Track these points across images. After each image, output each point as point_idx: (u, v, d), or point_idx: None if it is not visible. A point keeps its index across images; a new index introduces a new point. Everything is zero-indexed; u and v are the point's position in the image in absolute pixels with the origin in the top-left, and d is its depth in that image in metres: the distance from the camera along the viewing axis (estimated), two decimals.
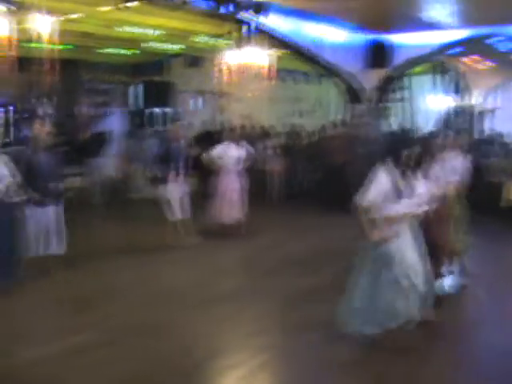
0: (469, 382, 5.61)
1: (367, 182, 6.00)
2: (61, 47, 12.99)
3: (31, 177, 8.22)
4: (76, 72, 16.97)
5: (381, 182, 5.95)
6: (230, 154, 11.41)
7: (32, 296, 7.88)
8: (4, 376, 5.58)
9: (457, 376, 5.69)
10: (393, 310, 6.05)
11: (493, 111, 22.47)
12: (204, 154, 11.55)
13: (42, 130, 8.29)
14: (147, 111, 16.10)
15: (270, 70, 11.20)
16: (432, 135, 8.36)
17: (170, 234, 10.71)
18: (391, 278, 6.00)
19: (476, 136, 20.09)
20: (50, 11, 8.45)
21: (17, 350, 6.13)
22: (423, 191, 6.24)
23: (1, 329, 6.74)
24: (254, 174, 16.19)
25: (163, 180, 10.51)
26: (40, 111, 15.60)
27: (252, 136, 16.74)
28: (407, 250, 6.09)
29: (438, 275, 7.73)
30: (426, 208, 6.33)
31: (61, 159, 8.69)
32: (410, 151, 6.05)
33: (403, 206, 6.05)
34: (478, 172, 13.09)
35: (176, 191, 10.52)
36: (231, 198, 11.43)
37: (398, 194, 5.97)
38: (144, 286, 8.45)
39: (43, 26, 8.36)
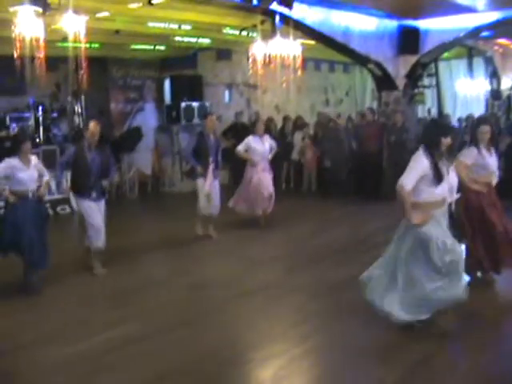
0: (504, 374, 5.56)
1: (408, 165, 6.01)
2: (91, 45, 13.17)
3: (84, 174, 8.43)
4: (107, 69, 17.12)
5: (422, 165, 5.95)
6: (254, 146, 11.41)
7: (74, 292, 8.03)
8: (56, 369, 5.68)
9: (492, 367, 5.65)
10: (434, 299, 6.05)
11: None
12: (236, 147, 11.57)
13: (96, 127, 8.41)
14: (179, 105, 16.13)
15: (299, 60, 11.20)
16: (485, 121, 8.13)
17: (203, 227, 10.78)
18: (430, 263, 6.01)
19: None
20: (79, 10, 8.52)
21: (59, 343, 6.23)
22: (454, 182, 6.28)
23: (44, 323, 6.85)
24: (288, 164, 16.31)
25: (198, 174, 10.51)
26: (70, 110, 15.78)
27: (284, 127, 16.79)
28: (445, 236, 6.09)
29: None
30: (457, 196, 6.36)
31: (110, 156, 8.80)
32: (447, 138, 6.05)
33: (442, 191, 6.07)
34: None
35: (210, 185, 10.54)
36: (257, 190, 11.43)
37: (438, 180, 5.96)
38: (182, 278, 8.52)
39: (73, 26, 8.43)
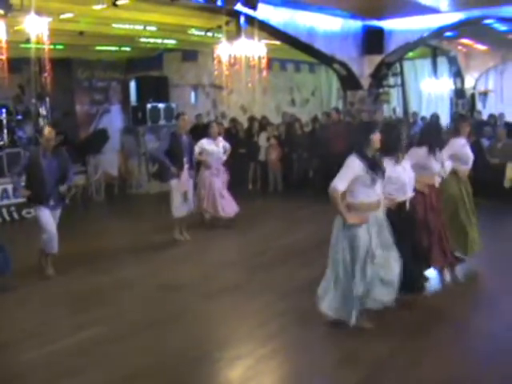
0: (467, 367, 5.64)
1: (341, 168, 6.10)
2: (55, 47, 13.08)
3: (39, 183, 8.31)
4: (71, 71, 17.00)
5: (353, 167, 6.03)
6: (208, 149, 11.40)
7: (42, 293, 8.02)
8: (19, 373, 5.66)
9: (454, 363, 5.73)
10: (368, 294, 6.18)
11: (486, 94, 22.56)
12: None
13: (51, 132, 8.30)
14: (145, 106, 16.10)
15: (264, 60, 11.24)
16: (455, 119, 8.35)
17: (175, 228, 10.76)
18: (359, 263, 6.12)
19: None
20: (42, 11, 8.47)
21: (30, 346, 6.21)
22: (408, 180, 6.37)
23: (14, 326, 6.83)
24: (255, 165, 16.35)
25: (171, 175, 10.47)
26: (34, 112, 15.62)
27: (250, 128, 16.83)
28: (377, 244, 6.19)
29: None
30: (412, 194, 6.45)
31: (67, 160, 8.71)
32: (375, 133, 6.12)
33: (377, 193, 6.16)
34: (480, 154, 13.22)
35: (186, 185, 10.54)
36: (212, 192, 11.47)
37: (372, 180, 6.05)
38: (152, 280, 8.51)
39: (36, 27, 8.38)
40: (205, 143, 11.43)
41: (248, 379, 5.42)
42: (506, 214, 11.87)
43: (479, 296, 7.74)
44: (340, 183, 6.01)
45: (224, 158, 11.73)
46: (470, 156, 8.28)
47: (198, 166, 11.56)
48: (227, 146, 11.86)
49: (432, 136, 7.78)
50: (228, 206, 11.59)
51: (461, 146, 8.14)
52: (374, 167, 6.09)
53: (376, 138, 6.12)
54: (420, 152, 7.59)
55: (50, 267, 8.70)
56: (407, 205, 6.66)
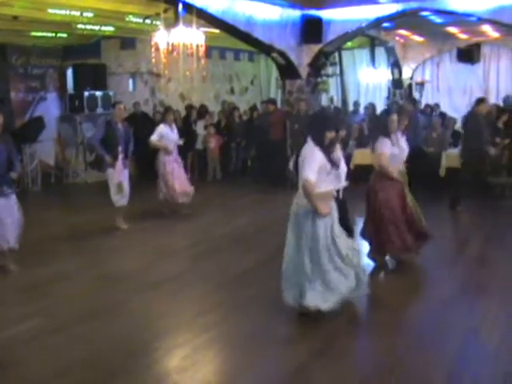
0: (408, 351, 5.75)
1: (304, 157, 6.07)
2: None
3: None
4: (6, 57, 16.60)
5: (317, 157, 6.02)
6: (168, 135, 11.37)
7: None
8: None
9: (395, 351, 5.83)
10: (335, 286, 6.19)
11: (422, 84, 22.94)
12: (151, 137, 11.39)
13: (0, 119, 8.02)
14: (82, 94, 15.86)
15: (202, 48, 11.17)
16: (388, 111, 8.44)
17: (116, 218, 10.67)
18: (329, 253, 6.16)
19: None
20: None
21: None
22: (344, 169, 6.44)
23: None
24: (193, 154, 16.31)
25: (108, 164, 10.36)
26: None
27: (188, 116, 16.78)
28: (336, 225, 6.27)
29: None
30: (345, 183, 6.52)
31: (13, 146, 8.45)
32: (331, 132, 6.17)
33: (335, 181, 6.22)
34: (416, 143, 13.42)
35: (120, 175, 10.43)
36: (176, 178, 11.48)
37: (333, 169, 6.10)
38: (90, 271, 8.40)
39: None
40: (164, 129, 11.41)
41: (185, 369, 5.40)
42: (442, 202, 12.09)
43: (416, 283, 7.88)
44: (311, 174, 5.92)
45: (180, 143, 11.89)
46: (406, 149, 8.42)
47: (154, 153, 11.56)
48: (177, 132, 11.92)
49: (381, 126, 7.94)
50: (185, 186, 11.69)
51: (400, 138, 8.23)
52: (331, 156, 6.12)
53: (331, 135, 6.15)
54: (387, 142, 7.71)
55: (10, 261, 8.40)
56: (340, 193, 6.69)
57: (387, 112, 8.29)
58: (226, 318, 6.58)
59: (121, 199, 10.54)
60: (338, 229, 6.33)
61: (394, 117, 7.79)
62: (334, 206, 6.36)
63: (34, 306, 7.06)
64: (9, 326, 6.44)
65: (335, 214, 6.35)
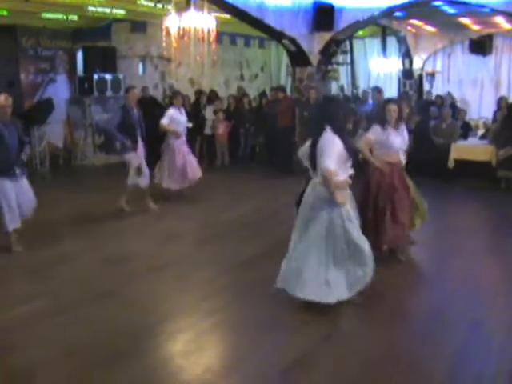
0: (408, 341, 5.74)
1: (323, 146, 6.00)
2: None
3: (4, 151, 8.00)
4: (16, 38, 16.56)
5: (338, 146, 5.96)
6: (178, 118, 11.38)
7: None
8: None
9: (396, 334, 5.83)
10: (353, 278, 6.18)
11: (433, 75, 22.84)
12: (161, 121, 11.38)
13: (8, 99, 8.03)
14: (91, 77, 15.84)
15: (213, 33, 11.13)
16: (386, 101, 8.38)
17: (123, 197, 10.72)
18: (348, 243, 6.13)
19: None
20: None
21: None
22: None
23: None
24: (201, 138, 16.31)
25: (128, 148, 10.39)
26: None
27: (198, 102, 16.77)
28: (353, 214, 6.25)
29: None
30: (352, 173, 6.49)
31: (23, 129, 8.46)
32: (348, 117, 6.15)
33: (351, 169, 6.17)
34: (425, 134, 13.37)
35: (137, 158, 10.46)
36: (186, 162, 11.52)
37: (348, 158, 6.07)
38: (95, 253, 8.43)
39: None
40: (174, 113, 11.40)
41: (188, 353, 5.42)
42: (450, 194, 12.06)
43: (421, 274, 7.87)
44: (331, 163, 5.86)
45: (190, 125, 11.89)
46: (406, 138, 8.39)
47: (163, 136, 11.60)
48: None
49: (379, 115, 7.91)
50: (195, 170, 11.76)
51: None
52: (349, 144, 6.10)
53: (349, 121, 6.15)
54: (377, 129, 7.68)
55: (16, 242, 8.47)
56: None
57: (385, 101, 8.22)
58: (230, 303, 6.59)
59: (142, 180, 10.62)
60: (354, 218, 6.29)
61: (391, 106, 7.74)
62: (350, 194, 6.34)
63: (38, 287, 7.07)
64: (12, 307, 6.45)
65: (353, 204, 6.33)
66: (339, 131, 6.04)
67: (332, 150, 5.94)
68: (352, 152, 6.14)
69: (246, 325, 6.04)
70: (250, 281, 7.16)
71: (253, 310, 6.36)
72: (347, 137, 6.20)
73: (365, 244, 6.24)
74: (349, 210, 6.20)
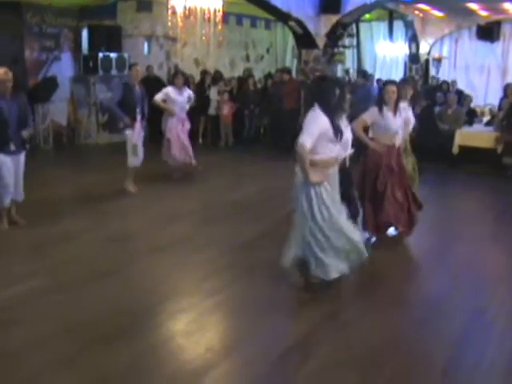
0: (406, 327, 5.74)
1: (305, 122, 5.91)
2: None
3: (1, 123, 7.91)
4: (21, 15, 16.48)
5: (321, 123, 5.85)
6: (174, 97, 11.34)
7: None
8: None
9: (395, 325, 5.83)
10: (343, 251, 6.14)
11: (440, 60, 22.73)
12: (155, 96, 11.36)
13: (7, 73, 7.97)
14: (96, 55, 15.77)
15: (219, 14, 11.07)
16: (385, 82, 8.32)
17: (128, 179, 10.65)
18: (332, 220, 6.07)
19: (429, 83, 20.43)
20: None
21: None
22: (349, 137, 6.33)
23: None
24: (206, 119, 16.27)
25: (126, 125, 10.35)
26: None
27: (202, 82, 16.71)
28: (335, 195, 6.18)
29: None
30: (351, 151, 6.42)
31: (26, 104, 8.39)
32: (341, 95, 6.04)
33: (338, 149, 6.08)
34: (430, 119, 13.32)
35: (137, 136, 10.43)
36: (177, 141, 11.50)
37: (337, 137, 5.94)
38: (97, 232, 8.41)
39: None
40: (170, 91, 11.39)
41: (190, 333, 5.42)
42: (454, 180, 12.03)
43: (424, 260, 7.85)
44: (308, 140, 5.75)
45: (187, 107, 11.75)
46: (412, 120, 8.41)
47: (160, 114, 11.57)
48: (192, 95, 11.89)
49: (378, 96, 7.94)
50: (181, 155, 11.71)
51: (402, 109, 8.12)
52: (336, 122, 5.99)
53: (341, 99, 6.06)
54: (374, 111, 7.65)
55: (4, 220, 8.45)
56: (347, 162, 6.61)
57: (384, 83, 8.18)
58: (232, 283, 6.58)
59: (134, 160, 10.56)
60: (337, 200, 6.24)
61: (390, 87, 7.69)
62: (335, 176, 6.24)
63: (38, 265, 7.05)
64: (11, 284, 6.42)
65: (336, 186, 6.24)
66: (329, 110, 5.93)
67: (313, 127, 5.83)
68: (340, 132, 5.99)
69: (246, 305, 6.04)
70: (252, 261, 7.15)
71: (254, 291, 6.36)
72: (339, 116, 6.08)
73: (344, 222, 6.17)
74: (327, 188, 6.04)
